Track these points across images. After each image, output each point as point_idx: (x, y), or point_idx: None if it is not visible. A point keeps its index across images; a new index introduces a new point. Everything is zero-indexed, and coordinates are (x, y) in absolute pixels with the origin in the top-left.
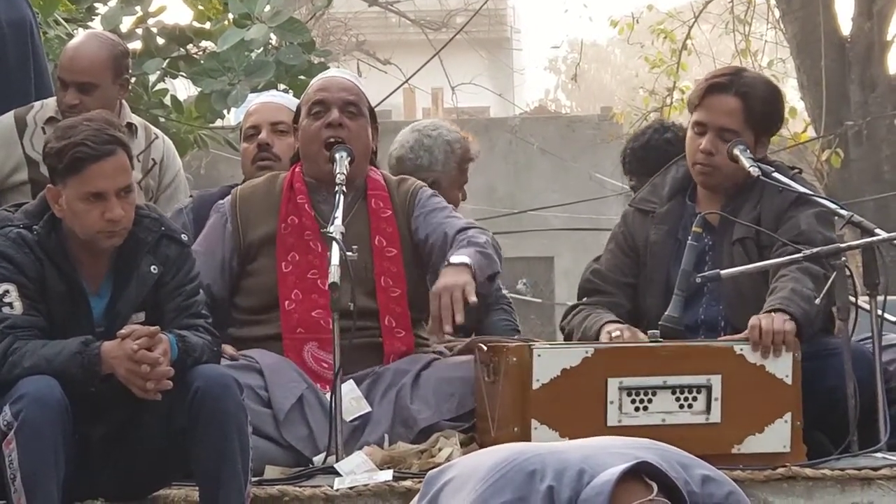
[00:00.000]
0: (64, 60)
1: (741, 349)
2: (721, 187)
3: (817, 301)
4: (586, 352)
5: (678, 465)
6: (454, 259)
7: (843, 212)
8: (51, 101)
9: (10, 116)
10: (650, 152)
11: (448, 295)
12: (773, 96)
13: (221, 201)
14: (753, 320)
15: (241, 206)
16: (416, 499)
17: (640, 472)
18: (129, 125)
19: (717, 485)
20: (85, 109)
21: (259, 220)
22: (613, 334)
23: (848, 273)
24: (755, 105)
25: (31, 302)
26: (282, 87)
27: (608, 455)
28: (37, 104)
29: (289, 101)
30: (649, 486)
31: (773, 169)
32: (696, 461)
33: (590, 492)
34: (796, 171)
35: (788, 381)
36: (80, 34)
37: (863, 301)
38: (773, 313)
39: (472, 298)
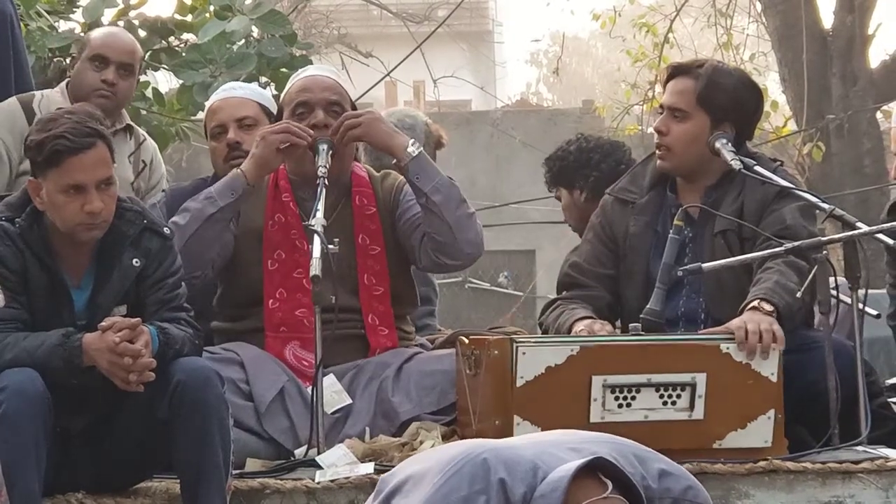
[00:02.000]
0: (106, 40)
1: (727, 348)
2: (681, 172)
3: (799, 294)
4: (572, 350)
5: (634, 460)
6: None
7: (824, 205)
8: (53, 93)
9: (15, 103)
10: (567, 159)
11: None
12: (736, 84)
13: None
14: (739, 322)
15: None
16: (369, 499)
17: (594, 469)
18: (129, 126)
19: (674, 479)
20: (117, 92)
21: (246, 213)
22: (581, 330)
23: (830, 266)
24: (707, 87)
25: (13, 294)
26: (263, 79)
27: (562, 451)
28: (37, 94)
29: (251, 91)
30: (604, 484)
31: (754, 162)
32: (653, 454)
33: (545, 488)
34: (778, 163)
35: (773, 378)
36: (107, 27)
37: (844, 295)
38: (756, 306)
39: None
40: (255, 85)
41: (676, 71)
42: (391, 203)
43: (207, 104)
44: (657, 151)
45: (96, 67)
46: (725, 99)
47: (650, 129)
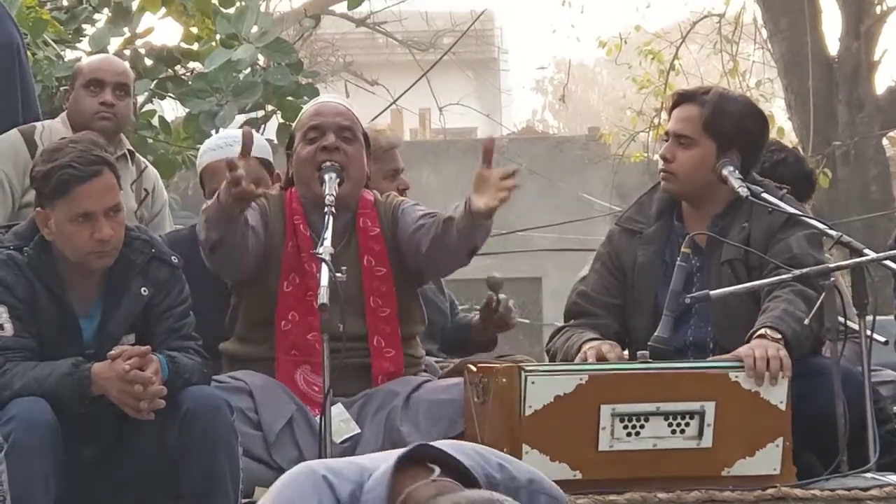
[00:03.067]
0: (99, 63)
1: (736, 376)
2: (686, 197)
3: (807, 321)
4: (581, 379)
5: (473, 452)
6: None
7: (831, 232)
8: (54, 124)
9: (16, 135)
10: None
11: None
12: (742, 111)
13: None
14: (747, 349)
15: (266, 205)
16: None
17: (422, 459)
18: (130, 152)
19: (516, 470)
20: (117, 114)
21: (273, 224)
22: (589, 351)
23: (838, 293)
24: (713, 114)
25: (22, 323)
26: (269, 107)
27: (390, 454)
28: (38, 125)
29: (258, 148)
30: (430, 469)
31: (762, 189)
32: (493, 451)
33: (371, 483)
34: (784, 190)
35: (783, 406)
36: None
37: (851, 321)
38: (763, 334)
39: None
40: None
41: (682, 98)
42: (391, 221)
43: (201, 158)
44: (661, 174)
45: (92, 92)
46: (731, 126)
47: (656, 157)
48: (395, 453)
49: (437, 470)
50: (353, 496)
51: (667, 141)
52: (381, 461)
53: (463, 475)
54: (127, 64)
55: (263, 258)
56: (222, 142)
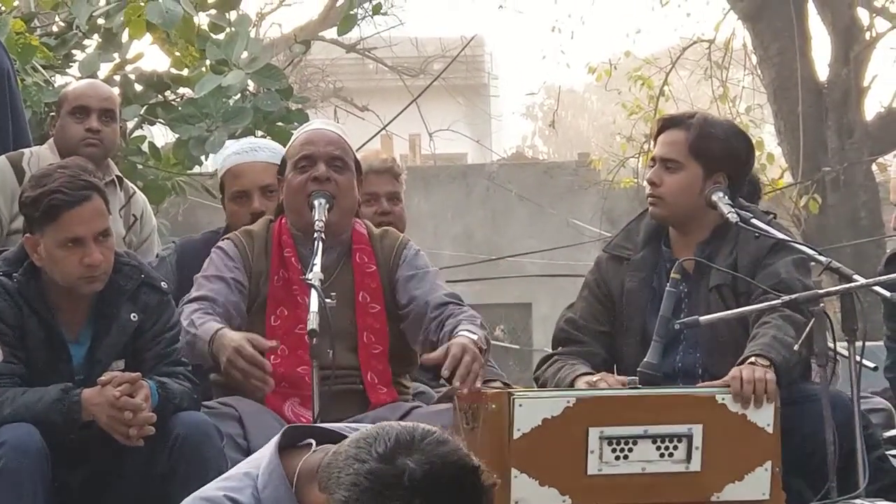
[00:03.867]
0: (84, 90)
1: (723, 398)
2: (674, 221)
3: (796, 347)
4: (568, 402)
5: (346, 429)
6: (466, 334)
7: (821, 258)
8: (42, 150)
9: (4, 162)
10: None
11: (471, 356)
12: (728, 134)
13: (221, 242)
14: (734, 371)
15: (246, 247)
16: None
17: (293, 442)
18: (119, 178)
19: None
20: (104, 140)
21: (256, 264)
22: (583, 385)
23: (827, 319)
24: (699, 137)
25: (11, 349)
26: (259, 133)
27: (263, 450)
28: (26, 151)
29: (272, 154)
30: (308, 444)
31: (750, 215)
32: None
33: (263, 478)
34: (771, 216)
35: (770, 429)
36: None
37: (841, 347)
38: (753, 362)
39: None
40: (271, 143)
41: (667, 123)
42: (391, 263)
43: (224, 161)
44: (649, 199)
45: (78, 119)
46: (718, 148)
47: (645, 182)
48: (269, 446)
49: (314, 442)
50: (254, 497)
51: (653, 166)
52: (259, 459)
53: (336, 439)
54: (115, 89)
55: (249, 302)
56: (248, 146)
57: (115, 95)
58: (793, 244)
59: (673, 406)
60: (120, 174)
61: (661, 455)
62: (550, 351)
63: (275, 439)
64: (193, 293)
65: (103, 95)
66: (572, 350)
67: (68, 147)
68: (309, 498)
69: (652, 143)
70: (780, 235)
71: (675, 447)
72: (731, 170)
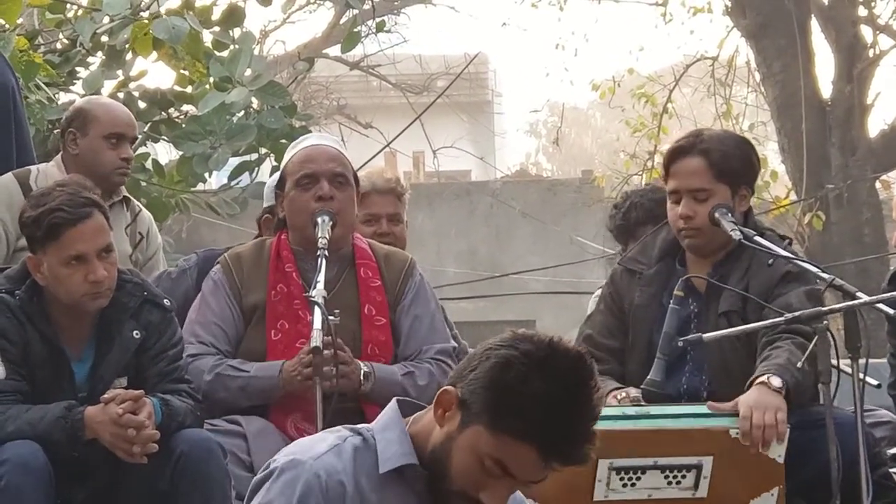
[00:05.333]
0: (121, 117)
1: (736, 433)
2: (709, 249)
3: (799, 364)
4: None
5: None
6: None
7: (824, 275)
8: (49, 168)
9: (11, 179)
10: (631, 212)
11: None
12: (738, 146)
13: (213, 269)
14: (745, 409)
15: (235, 272)
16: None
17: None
18: (125, 199)
19: None
20: (131, 168)
21: (250, 286)
22: (619, 397)
23: (830, 337)
24: (719, 159)
25: (14, 367)
26: (263, 150)
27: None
28: (33, 169)
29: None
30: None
31: (754, 233)
32: None
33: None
34: (788, 241)
35: (780, 460)
36: (98, 98)
37: (844, 364)
38: (765, 381)
39: None
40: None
41: (678, 153)
42: (398, 287)
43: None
44: (683, 233)
45: (113, 146)
46: (737, 164)
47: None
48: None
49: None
50: (368, 430)
51: (676, 200)
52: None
53: None
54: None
55: (246, 318)
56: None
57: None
58: (798, 262)
59: (686, 440)
60: (127, 194)
61: (669, 483)
62: None
63: (395, 400)
64: (195, 342)
65: (133, 123)
66: None
67: (97, 170)
68: (421, 424)
69: (662, 173)
70: (784, 253)
71: (684, 476)
72: (750, 178)
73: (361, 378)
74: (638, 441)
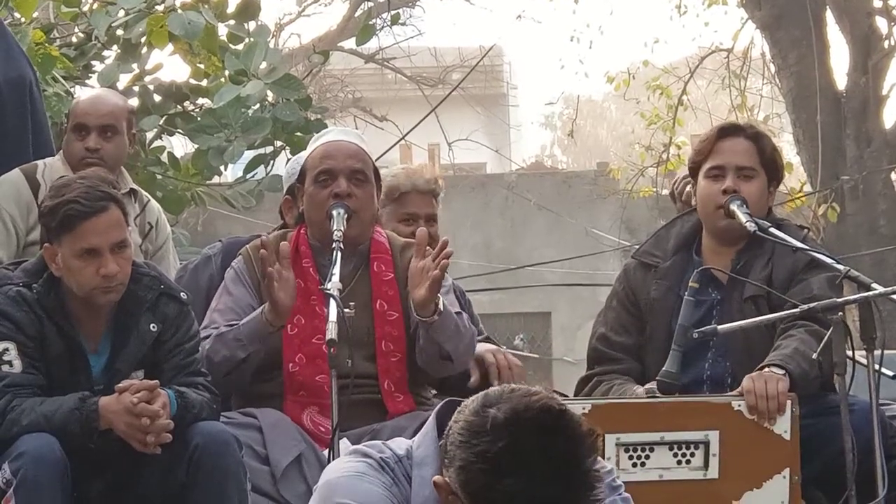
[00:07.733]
0: (84, 107)
1: (739, 405)
2: (732, 237)
3: (814, 356)
4: (584, 408)
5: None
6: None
7: (840, 266)
8: (55, 161)
9: (18, 174)
10: None
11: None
12: (775, 146)
13: (235, 260)
14: (747, 383)
15: (256, 264)
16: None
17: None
18: (132, 191)
19: None
20: (104, 156)
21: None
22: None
23: (845, 328)
24: (766, 149)
25: (31, 360)
26: (278, 143)
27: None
28: (40, 163)
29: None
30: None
31: (769, 224)
32: None
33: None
34: (806, 230)
35: (787, 436)
36: (87, 90)
37: (860, 355)
38: (768, 370)
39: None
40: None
41: (728, 131)
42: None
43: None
44: (722, 211)
45: (79, 137)
46: (778, 159)
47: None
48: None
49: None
50: (407, 451)
51: (715, 177)
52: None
53: None
54: (133, 100)
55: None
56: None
57: (120, 107)
58: (816, 255)
59: (688, 413)
60: (135, 186)
61: (679, 462)
62: (586, 374)
63: (437, 407)
64: (212, 330)
65: (102, 111)
66: (608, 369)
67: (72, 163)
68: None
69: (700, 149)
70: (797, 243)
71: (693, 454)
72: (780, 180)
73: (440, 306)
74: (641, 413)
